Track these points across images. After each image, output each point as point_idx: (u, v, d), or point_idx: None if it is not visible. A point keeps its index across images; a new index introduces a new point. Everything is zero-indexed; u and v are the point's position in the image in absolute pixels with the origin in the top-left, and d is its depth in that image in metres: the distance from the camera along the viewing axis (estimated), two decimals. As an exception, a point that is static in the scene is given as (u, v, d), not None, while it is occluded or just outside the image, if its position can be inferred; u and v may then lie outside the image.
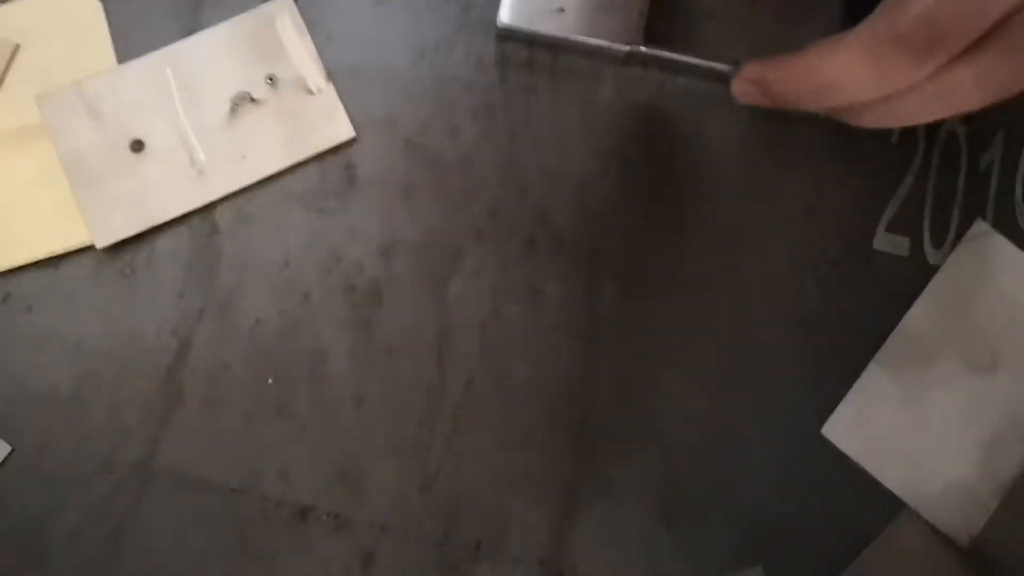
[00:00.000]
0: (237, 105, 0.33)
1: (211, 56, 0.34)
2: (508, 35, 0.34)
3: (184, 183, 0.33)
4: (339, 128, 0.33)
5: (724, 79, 0.32)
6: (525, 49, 0.34)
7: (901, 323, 0.32)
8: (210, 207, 0.33)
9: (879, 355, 0.32)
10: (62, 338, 0.32)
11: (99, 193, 0.32)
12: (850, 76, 0.28)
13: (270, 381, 0.32)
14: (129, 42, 0.34)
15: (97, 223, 0.32)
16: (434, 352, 0.32)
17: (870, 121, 0.31)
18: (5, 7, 0.34)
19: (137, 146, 0.33)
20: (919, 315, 0.33)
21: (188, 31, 0.34)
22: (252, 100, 0.33)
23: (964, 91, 0.28)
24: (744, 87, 0.31)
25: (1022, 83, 0.28)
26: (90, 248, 0.32)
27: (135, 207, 0.32)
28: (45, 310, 0.32)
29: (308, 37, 0.34)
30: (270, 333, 0.32)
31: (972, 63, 0.28)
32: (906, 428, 0.32)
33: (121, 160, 0.33)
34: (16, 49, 0.34)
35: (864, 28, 0.28)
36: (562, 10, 0.33)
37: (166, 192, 0.33)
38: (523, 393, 0.32)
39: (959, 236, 0.33)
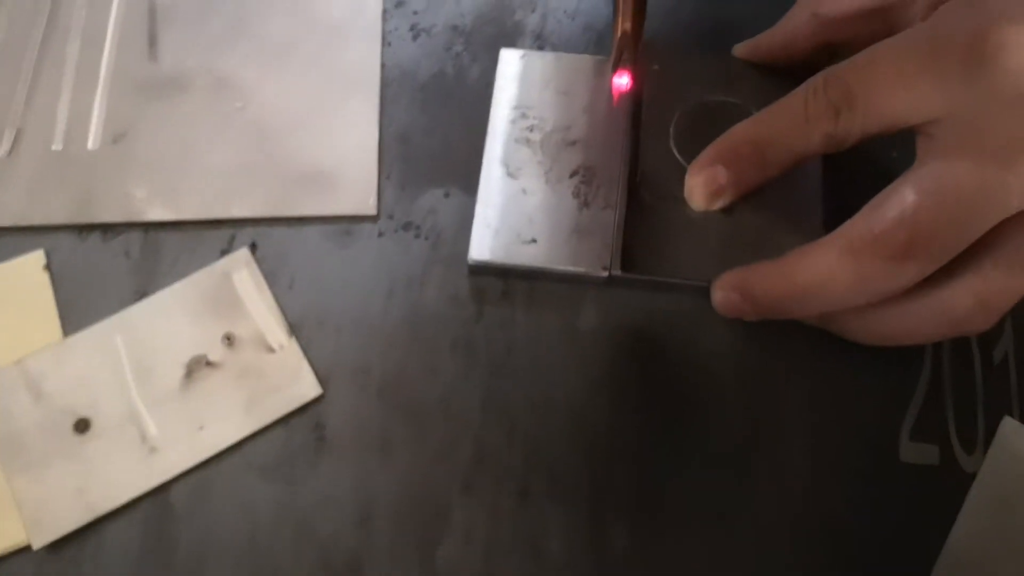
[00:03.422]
0: (192, 370, 0.31)
1: (164, 319, 0.31)
2: (481, 269, 0.32)
3: (134, 463, 0.29)
4: (304, 387, 0.30)
5: (708, 294, 0.30)
6: (500, 281, 0.32)
7: (947, 543, 0.29)
8: (164, 487, 0.29)
9: (930, 583, 0.29)
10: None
11: (38, 482, 0.29)
12: (829, 279, 0.27)
13: None
14: (79, 308, 0.32)
15: (35, 518, 0.29)
16: (426, 633, 0.28)
17: (866, 337, 0.29)
18: (-59, 289, 0.32)
19: (82, 426, 0.30)
20: (965, 532, 0.29)
21: (142, 293, 0.32)
22: (208, 363, 0.31)
23: (964, 311, 0.27)
24: (725, 296, 0.30)
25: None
26: (29, 547, 0.29)
27: (79, 495, 0.29)
28: (-30, 631, 0.28)
29: (267, 290, 0.32)
30: (235, 631, 0.28)
31: (968, 281, 0.26)
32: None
33: (64, 443, 0.30)
34: (-48, 330, 0.31)
35: (842, 229, 0.27)
36: (534, 240, 0.32)
37: (114, 475, 0.29)
38: (532, 673, 0.28)
39: (990, 437, 0.30)
